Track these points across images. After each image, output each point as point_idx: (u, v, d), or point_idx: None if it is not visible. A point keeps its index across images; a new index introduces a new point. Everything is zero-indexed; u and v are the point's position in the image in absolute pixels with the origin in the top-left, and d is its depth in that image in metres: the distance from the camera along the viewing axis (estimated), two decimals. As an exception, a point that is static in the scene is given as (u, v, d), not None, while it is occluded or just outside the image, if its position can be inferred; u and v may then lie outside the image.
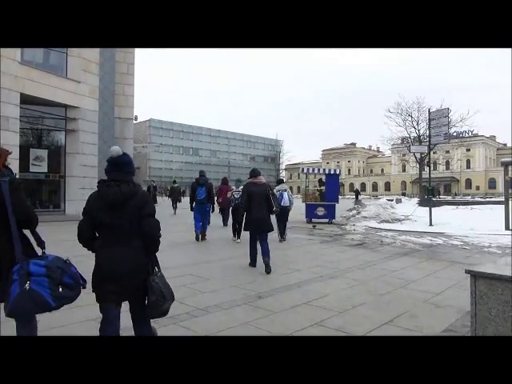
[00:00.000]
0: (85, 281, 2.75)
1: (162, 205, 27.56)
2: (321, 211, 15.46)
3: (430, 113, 14.91)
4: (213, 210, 11.18)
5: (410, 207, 28.41)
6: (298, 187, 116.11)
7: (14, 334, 2.73)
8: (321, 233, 12.25)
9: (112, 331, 2.74)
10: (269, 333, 3.78)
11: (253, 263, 6.99)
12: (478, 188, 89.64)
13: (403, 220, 15.95)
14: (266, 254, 6.64)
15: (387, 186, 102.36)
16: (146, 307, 2.74)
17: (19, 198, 2.59)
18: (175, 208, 19.71)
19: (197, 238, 9.99)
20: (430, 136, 14.93)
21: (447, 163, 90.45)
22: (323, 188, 16.13)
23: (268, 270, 6.46)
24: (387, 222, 15.31)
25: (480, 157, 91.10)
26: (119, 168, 2.79)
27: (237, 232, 10.20)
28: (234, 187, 13.20)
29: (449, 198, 60.11)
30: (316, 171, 16.26)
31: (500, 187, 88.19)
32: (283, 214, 10.08)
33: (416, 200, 31.80)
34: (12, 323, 2.71)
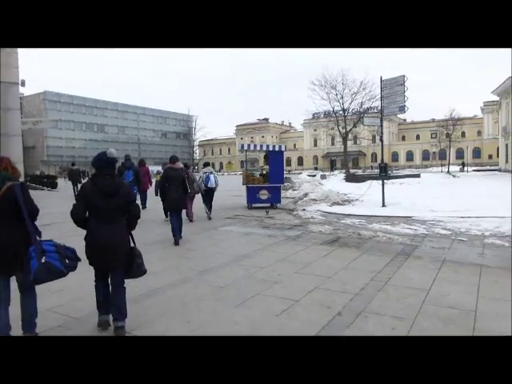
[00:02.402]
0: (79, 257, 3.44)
1: (63, 188, 23.56)
2: (264, 194, 13.29)
3: (381, 81, 13.33)
4: (138, 192, 11.76)
5: (336, 183, 27.80)
6: (213, 163, 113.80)
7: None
8: (275, 223, 10.07)
9: (104, 289, 3.73)
10: None
11: (176, 242, 7.71)
12: (382, 162, 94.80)
13: (352, 201, 14.43)
14: (176, 231, 7.79)
15: (300, 161, 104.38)
16: (131, 270, 3.65)
17: (28, 197, 3.32)
18: (75, 191, 18.81)
19: None
20: (382, 107, 13.42)
21: (355, 138, 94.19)
22: (265, 168, 13.98)
23: (176, 243, 7.65)
24: (338, 204, 13.68)
25: (384, 132, 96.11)
26: (111, 165, 3.67)
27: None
28: (161, 169, 12.93)
29: (360, 171, 62.37)
30: (258, 148, 13.85)
31: (402, 160, 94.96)
32: (209, 194, 11.28)
33: (342, 176, 31.35)
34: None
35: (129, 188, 3.78)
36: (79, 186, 18.88)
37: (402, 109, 12.81)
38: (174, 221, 7.78)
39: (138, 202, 12.98)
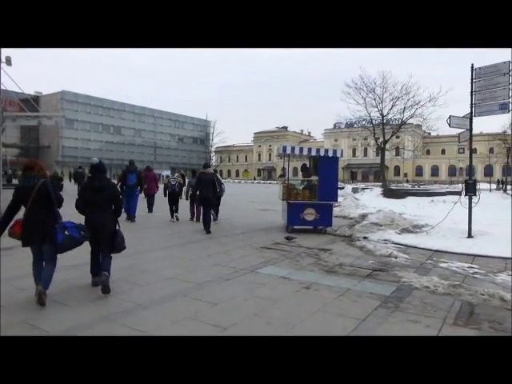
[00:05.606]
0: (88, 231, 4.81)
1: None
2: (310, 214, 10.03)
3: (473, 70, 9.99)
4: (140, 192, 12.76)
5: (373, 198, 24.44)
6: (229, 170, 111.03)
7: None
8: (341, 263, 6.76)
9: (95, 257, 5.19)
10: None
11: (207, 230, 9.86)
12: (406, 175, 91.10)
13: (424, 228, 10.97)
14: (207, 220, 9.97)
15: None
16: (114, 245, 5.02)
17: (56, 191, 4.58)
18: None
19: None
20: (472, 104, 10.04)
21: (377, 150, 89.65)
22: (312, 179, 10.69)
23: (208, 232, 9.83)
24: (408, 231, 10.29)
25: (409, 145, 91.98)
26: (98, 169, 5.11)
27: (173, 213, 12.48)
28: (169, 174, 15.28)
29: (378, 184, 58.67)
30: (305, 152, 10.59)
31: (426, 175, 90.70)
32: (216, 198, 11.88)
33: (379, 190, 27.86)
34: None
35: (114, 186, 5.46)
36: None
37: (506, 107, 9.38)
38: (206, 213, 10.07)
39: (141, 201, 13.18)
